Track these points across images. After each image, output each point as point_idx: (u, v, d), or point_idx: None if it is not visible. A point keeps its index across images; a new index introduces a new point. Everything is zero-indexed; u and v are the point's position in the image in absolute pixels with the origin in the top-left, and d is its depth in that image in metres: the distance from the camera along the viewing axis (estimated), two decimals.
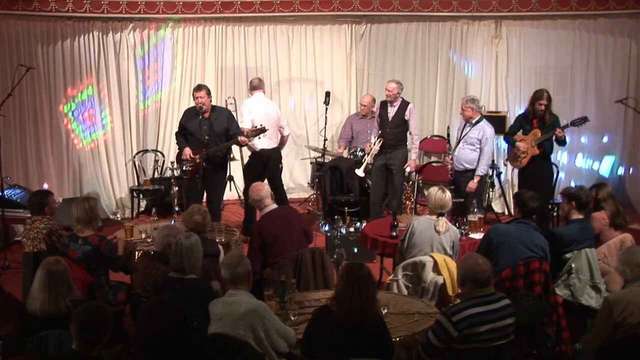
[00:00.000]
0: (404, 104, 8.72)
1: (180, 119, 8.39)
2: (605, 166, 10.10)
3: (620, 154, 10.04)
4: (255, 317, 4.23)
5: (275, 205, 6.32)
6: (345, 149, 10.06)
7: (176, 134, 8.48)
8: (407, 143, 8.93)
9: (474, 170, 8.04)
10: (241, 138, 8.08)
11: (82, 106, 9.97)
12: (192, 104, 8.37)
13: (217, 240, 6.27)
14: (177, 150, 8.42)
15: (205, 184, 8.08)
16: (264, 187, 6.35)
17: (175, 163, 8.26)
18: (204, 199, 8.26)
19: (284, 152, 10.77)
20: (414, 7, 10.34)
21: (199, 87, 8.19)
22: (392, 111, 8.72)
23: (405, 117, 8.70)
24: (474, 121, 8.05)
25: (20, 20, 9.38)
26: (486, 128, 8.02)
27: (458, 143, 8.14)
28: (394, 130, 8.72)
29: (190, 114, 8.22)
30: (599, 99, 10.04)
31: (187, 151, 8.04)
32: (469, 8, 10.25)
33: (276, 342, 4.29)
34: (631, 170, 9.96)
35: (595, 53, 10.03)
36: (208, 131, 7.97)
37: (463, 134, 8.10)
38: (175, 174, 8.04)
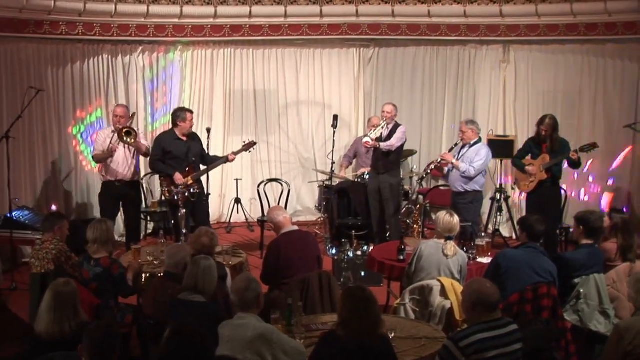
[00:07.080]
0: (396, 126, 8.66)
1: (161, 145, 8.28)
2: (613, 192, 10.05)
3: (628, 178, 10.00)
4: (262, 342, 4.19)
5: (295, 227, 6.26)
6: (346, 167, 10.05)
7: (155, 161, 8.32)
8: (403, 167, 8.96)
9: (471, 192, 8.02)
10: (231, 157, 8.32)
11: (91, 128, 10.00)
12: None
13: (224, 263, 6.26)
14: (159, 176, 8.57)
15: (194, 205, 8.05)
16: (281, 212, 6.30)
17: (175, 187, 7.99)
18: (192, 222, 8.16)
19: (291, 174, 10.82)
20: (422, 31, 10.39)
21: (191, 111, 8.47)
22: (385, 133, 8.68)
23: None
24: (472, 142, 8.07)
25: (31, 44, 9.43)
26: (482, 148, 8.06)
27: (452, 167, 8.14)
28: (386, 153, 8.64)
29: (170, 139, 8.28)
30: (607, 123, 10.01)
31: (179, 176, 8.07)
32: (477, 32, 10.29)
33: None
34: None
35: (604, 78, 10.03)
36: (193, 153, 8.17)
37: (460, 156, 8.11)
38: (175, 197, 7.85)
